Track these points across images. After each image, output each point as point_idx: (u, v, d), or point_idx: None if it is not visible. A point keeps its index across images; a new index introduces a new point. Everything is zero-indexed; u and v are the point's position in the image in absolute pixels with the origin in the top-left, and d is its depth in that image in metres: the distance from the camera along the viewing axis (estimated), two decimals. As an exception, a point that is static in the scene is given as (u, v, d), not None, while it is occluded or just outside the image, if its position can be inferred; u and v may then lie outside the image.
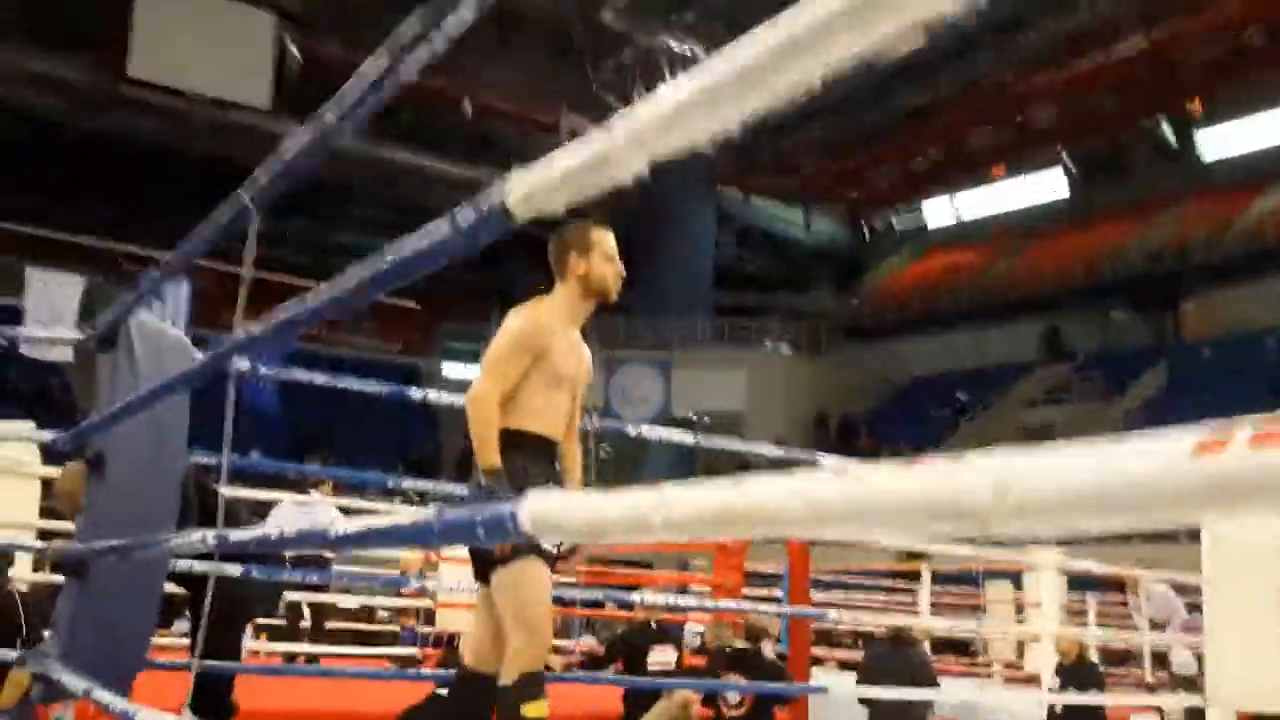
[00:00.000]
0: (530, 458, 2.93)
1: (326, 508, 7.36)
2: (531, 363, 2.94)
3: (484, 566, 2.88)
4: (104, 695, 2.78)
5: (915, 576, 11.35)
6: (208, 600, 3.56)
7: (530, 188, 1.18)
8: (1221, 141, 25.58)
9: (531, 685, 2.69)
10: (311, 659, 7.69)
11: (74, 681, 2.85)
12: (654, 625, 6.90)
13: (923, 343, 28.09)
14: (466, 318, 26.59)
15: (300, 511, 7.29)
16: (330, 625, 9.06)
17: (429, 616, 9.12)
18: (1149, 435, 0.55)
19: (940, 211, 30.94)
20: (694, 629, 8.86)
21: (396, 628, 10.28)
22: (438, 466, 22.95)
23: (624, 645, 6.76)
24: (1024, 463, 0.60)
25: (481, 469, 2.86)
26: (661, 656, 6.63)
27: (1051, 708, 6.91)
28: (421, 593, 8.01)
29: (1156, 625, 8.67)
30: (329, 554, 7.67)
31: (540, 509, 1.11)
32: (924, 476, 0.64)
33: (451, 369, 25.52)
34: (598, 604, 8.11)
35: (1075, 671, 6.91)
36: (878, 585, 12.08)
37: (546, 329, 2.97)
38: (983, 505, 0.60)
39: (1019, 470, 0.59)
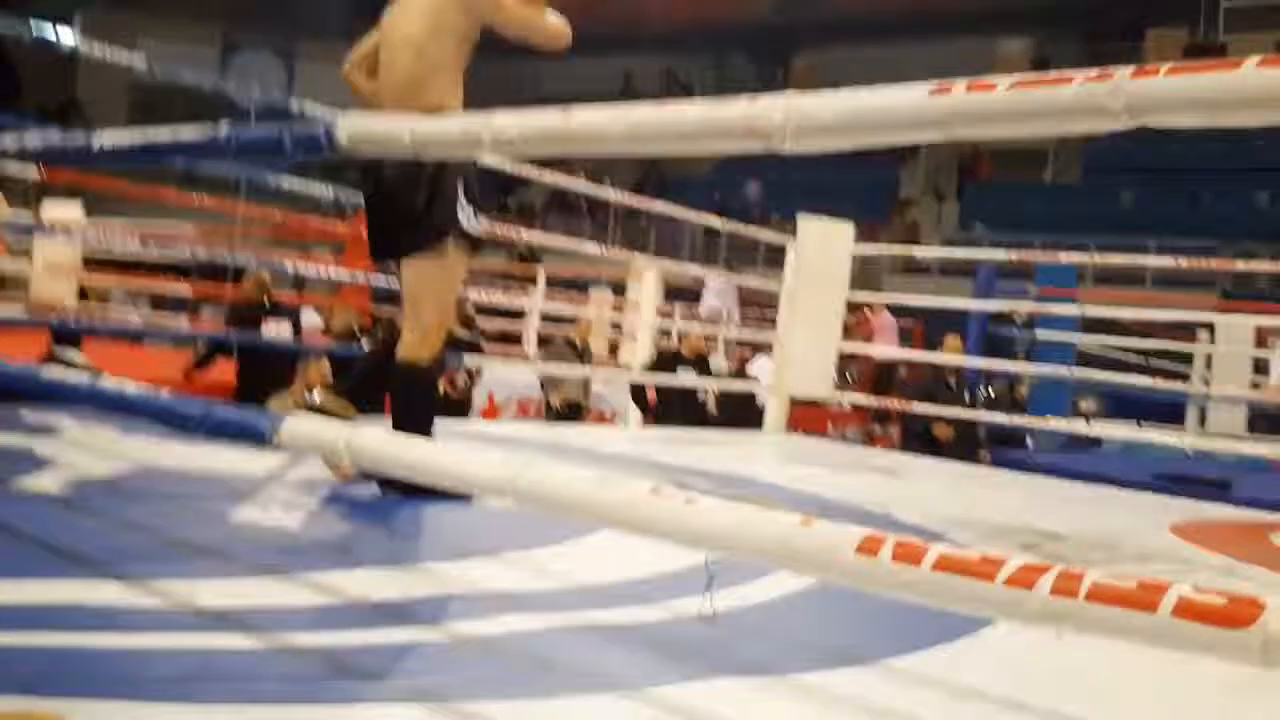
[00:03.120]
0: None
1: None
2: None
3: (396, 248, 2.81)
4: None
5: (531, 279, 12.07)
6: None
7: None
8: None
9: (440, 365, 2.95)
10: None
11: None
12: (268, 302, 6.88)
13: (558, 65, 28.16)
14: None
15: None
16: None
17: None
18: (897, 86, 0.85)
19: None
20: (312, 314, 8.98)
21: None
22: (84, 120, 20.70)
23: (236, 317, 6.78)
24: (809, 98, 0.88)
25: None
26: (277, 331, 6.71)
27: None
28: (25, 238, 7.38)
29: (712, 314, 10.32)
30: None
31: (356, 123, 1.27)
32: (732, 108, 0.91)
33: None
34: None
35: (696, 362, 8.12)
36: (494, 286, 12.62)
37: None
38: (777, 126, 0.88)
39: (806, 102, 0.87)
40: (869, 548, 0.82)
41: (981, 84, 0.78)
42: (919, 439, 6.90)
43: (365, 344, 7.07)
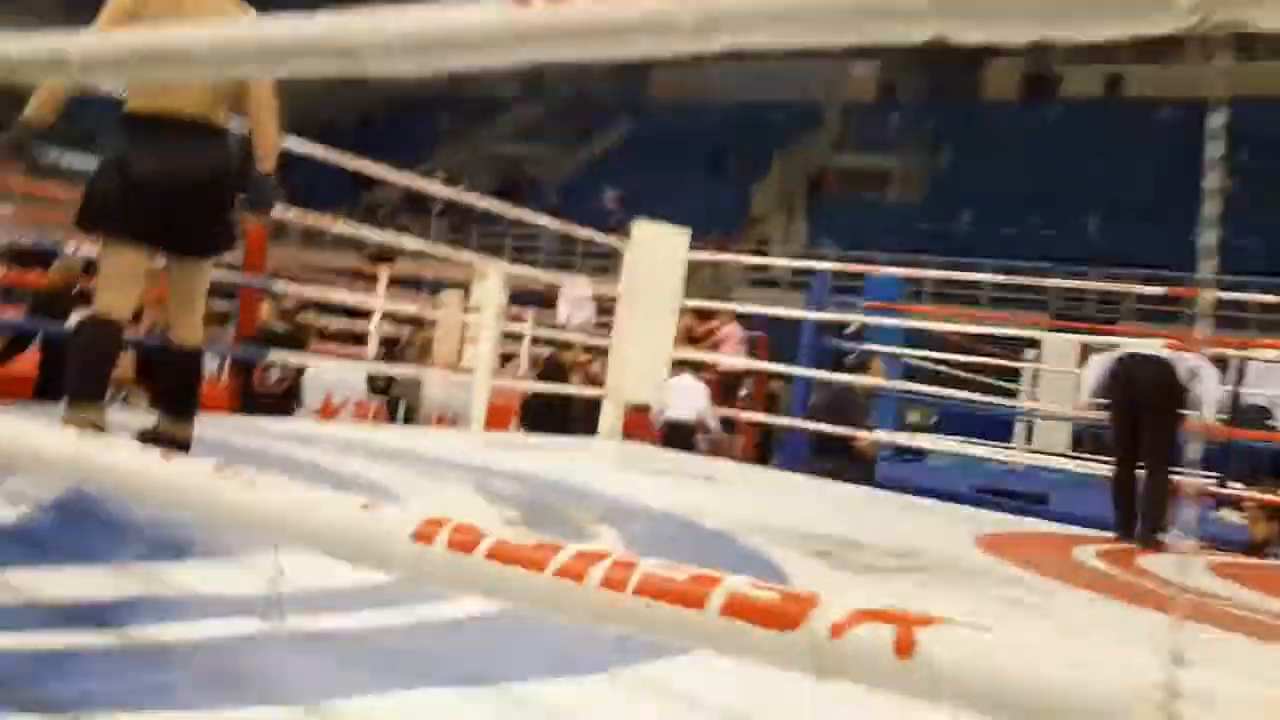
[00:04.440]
0: None
1: None
2: None
3: (185, 244, 2.93)
4: None
5: (375, 278, 11.74)
6: None
7: None
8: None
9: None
10: None
11: None
12: (77, 290, 6.48)
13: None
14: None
15: None
16: None
17: None
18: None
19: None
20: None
21: None
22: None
23: (41, 306, 6.36)
24: (394, 15, 0.77)
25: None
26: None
27: None
28: None
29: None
30: None
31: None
32: (316, 24, 0.79)
33: None
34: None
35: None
36: (340, 284, 12.25)
37: None
38: (363, 45, 0.77)
39: (390, 19, 0.76)
40: (426, 534, 0.71)
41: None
42: (831, 455, 6.60)
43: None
